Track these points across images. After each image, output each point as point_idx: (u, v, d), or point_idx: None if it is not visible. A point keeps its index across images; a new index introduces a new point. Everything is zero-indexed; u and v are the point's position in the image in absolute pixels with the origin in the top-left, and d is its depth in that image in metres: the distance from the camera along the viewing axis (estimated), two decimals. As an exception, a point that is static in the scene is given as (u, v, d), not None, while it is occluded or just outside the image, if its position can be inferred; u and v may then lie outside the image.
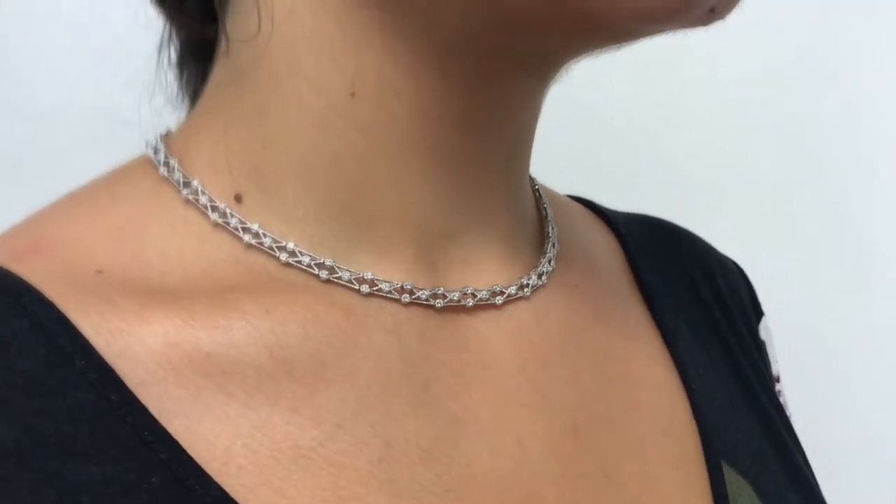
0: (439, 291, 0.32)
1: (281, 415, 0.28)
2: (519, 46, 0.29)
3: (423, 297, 0.32)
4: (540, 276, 0.36)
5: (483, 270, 0.34)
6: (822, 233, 0.83)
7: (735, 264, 0.49)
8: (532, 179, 0.40)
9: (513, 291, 0.34)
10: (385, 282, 0.31)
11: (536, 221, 0.38)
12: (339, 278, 0.31)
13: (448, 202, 0.32)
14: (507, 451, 0.31)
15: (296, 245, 0.31)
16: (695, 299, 0.43)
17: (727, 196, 0.79)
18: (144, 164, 0.33)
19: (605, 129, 0.76)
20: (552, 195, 0.42)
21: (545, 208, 0.39)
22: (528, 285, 0.35)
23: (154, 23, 0.37)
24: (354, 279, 0.31)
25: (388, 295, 0.31)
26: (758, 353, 0.44)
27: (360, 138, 0.30)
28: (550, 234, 0.38)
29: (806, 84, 0.79)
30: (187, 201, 0.31)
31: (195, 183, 0.31)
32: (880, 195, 0.83)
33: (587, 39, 0.29)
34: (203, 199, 0.31)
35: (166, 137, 0.34)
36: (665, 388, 0.38)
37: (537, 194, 0.40)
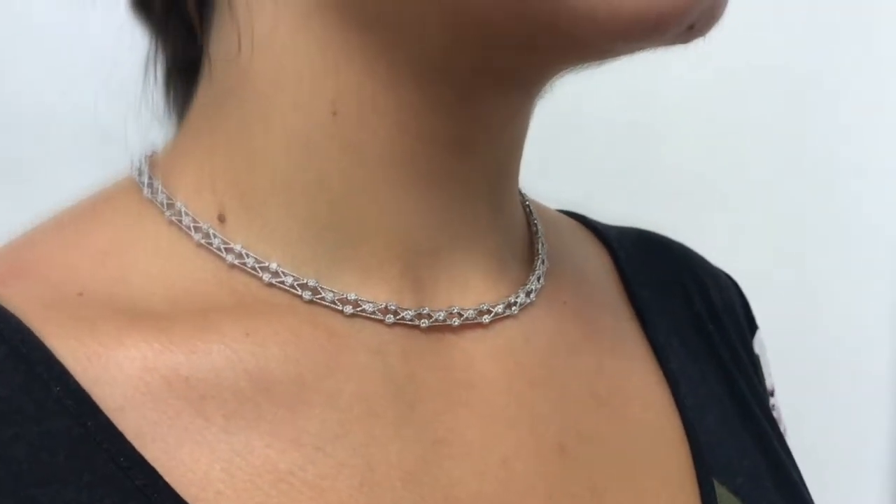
0: (424, 311, 0.32)
1: (260, 438, 0.28)
2: (496, 65, 0.29)
3: (408, 317, 0.32)
4: (528, 294, 0.36)
5: (470, 288, 0.34)
6: (813, 233, 0.83)
7: (729, 278, 0.48)
8: (522, 195, 0.40)
9: (500, 310, 0.34)
10: (369, 302, 0.31)
11: (526, 238, 0.38)
12: (323, 299, 0.31)
13: (433, 219, 0.32)
14: (492, 473, 0.31)
15: (279, 265, 0.31)
16: (688, 313, 0.43)
17: (717, 196, 0.79)
18: (129, 185, 0.33)
19: (593, 128, 0.77)
20: (542, 210, 0.42)
21: (535, 224, 0.39)
22: (515, 303, 0.35)
23: (140, 38, 0.37)
24: (338, 300, 0.31)
25: (372, 315, 0.31)
26: (752, 368, 0.44)
27: (343, 157, 0.30)
28: (540, 251, 0.38)
29: (797, 84, 0.80)
30: (171, 222, 0.31)
31: (178, 204, 0.31)
32: (870, 196, 0.83)
33: (564, 58, 0.29)
34: (186, 220, 0.31)
35: (151, 158, 0.34)
36: (656, 405, 0.38)
37: (527, 209, 0.40)
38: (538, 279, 0.36)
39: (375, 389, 0.30)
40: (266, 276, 0.31)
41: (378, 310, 0.31)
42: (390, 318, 0.32)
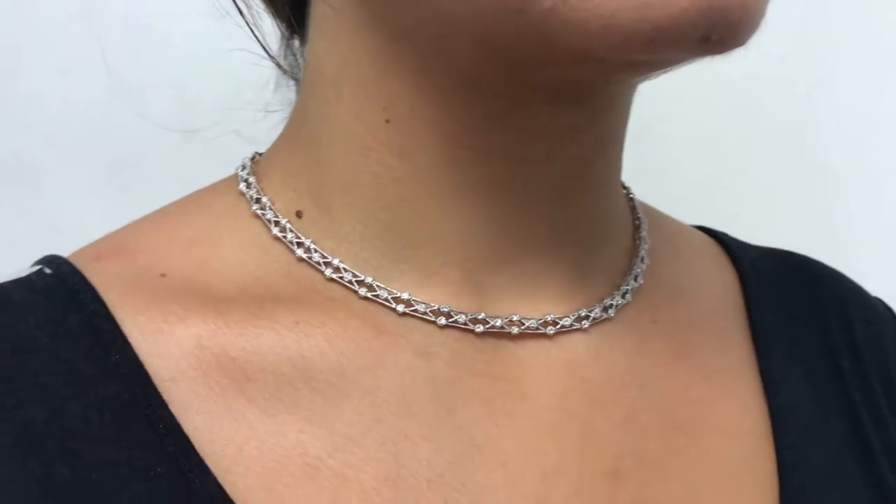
0: (480, 316, 0.32)
1: (296, 423, 0.30)
2: (529, 79, 0.29)
3: (462, 320, 0.32)
4: (606, 310, 0.35)
5: (540, 300, 0.34)
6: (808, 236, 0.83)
7: (888, 309, 0.44)
8: (635, 209, 0.39)
9: (567, 323, 0.33)
10: (422, 303, 0.32)
11: (623, 252, 0.37)
12: (377, 296, 0.32)
13: (493, 228, 0.32)
14: (527, 487, 0.31)
15: (341, 262, 0.32)
16: (821, 346, 0.40)
17: (717, 195, 0.79)
18: (231, 181, 0.35)
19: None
20: (663, 225, 0.41)
21: (641, 239, 0.38)
22: (587, 317, 0.34)
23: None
24: (391, 298, 0.32)
25: (424, 316, 0.32)
26: (890, 411, 0.40)
27: (397, 163, 0.31)
28: (634, 267, 0.36)
29: (796, 83, 0.80)
30: (255, 216, 0.33)
31: (265, 199, 0.33)
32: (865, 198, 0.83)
33: (586, 71, 0.28)
34: (269, 214, 0.33)
35: (256, 158, 0.36)
36: (747, 439, 0.35)
37: (637, 222, 0.38)
38: (623, 295, 0.35)
39: (416, 389, 0.31)
40: (328, 272, 0.32)
41: (430, 311, 0.32)
42: (442, 320, 0.32)
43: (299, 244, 0.33)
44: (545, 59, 0.27)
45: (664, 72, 0.30)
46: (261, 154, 0.36)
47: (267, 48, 0.38)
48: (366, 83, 0.31)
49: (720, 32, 0.25)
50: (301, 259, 0.32)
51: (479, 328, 0.32)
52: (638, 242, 0.38)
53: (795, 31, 0.73)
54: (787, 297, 0.41)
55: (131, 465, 0.28)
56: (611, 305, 0.35)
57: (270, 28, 0.38)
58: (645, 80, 0.31)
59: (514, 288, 0.33)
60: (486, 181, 0.31)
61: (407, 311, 0.32)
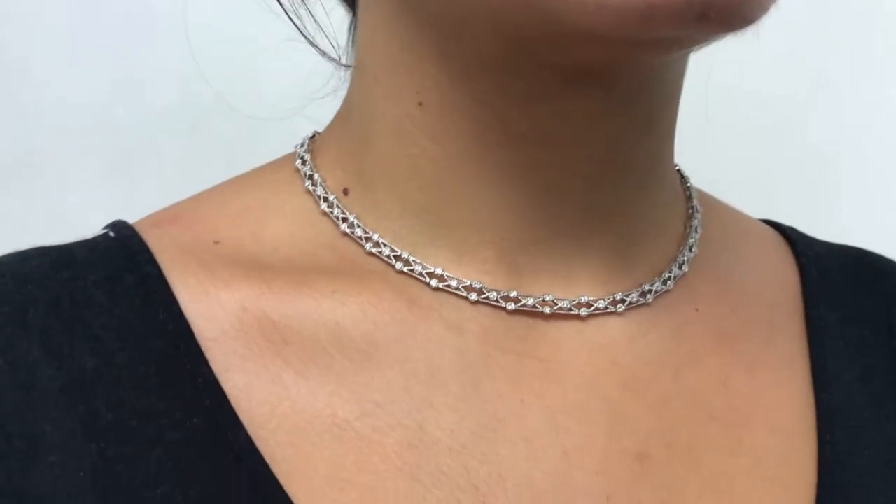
0: (512, 294, 0.33)
1: (327, 386, 0.31)
2: (550, 61, 0.29)
3: (493, 297, 0.33)
4: (644, 295, 0.35)
5: (576, 282, 0.34)
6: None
7: None
8: (691, 198, 0.39)
9: (601, 305, 0.34)
10: (454, 278, 0.33)
11: (672, 240, 0.37)
12: (413, 270, 0.33)
13: (526, 211, 0.33)
14: (548, 462, 0.31)
15: (380, 237, 0.34)
16: (884, 345, 0.39)
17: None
18: (289, 158, 0.37)
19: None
20: (722, 214, 0.41)
21: (692, 227, 0.38)
22: (623, 301, 0.34)
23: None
24: (426, 272, 0.33)
25: (457, 291, 0.33)
26: None
27: (431, 145, 0.32)
28: (680, 255, 0.37)
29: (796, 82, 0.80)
30: (307, 191, 0.35)
31: (317, 176, 0.35)
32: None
33: (597, 52, 0.28)
34: (319, 191, 0.35)
35: (314, 136, 0.38)
36: (787, 433, 0.35)
37: (691, 211, 0.38)
38: (664, 282, 0.35)
39: (444, 361, 0.32)
40: (368, 246, 0.34)
41: (463, 287, 0.33)
42: (473, 296, 0.33)
43: (344, 219, 0.34)
44: (555, 40, 0.28)
45: (688, 51, 0.30)
46: (319, 133, 0.38)
47: (306, 34, 0.40)
48: (400, 69, 0.32)
49: (717, 10, 0.26)
50: (344, 233, 0.34)
51: (511, 306, 0.33)
52: (688, 231, 0.38)
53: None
54: (852, 295, 0.40)
55: (169, 414, 0.30)
56: (649, 291, 0.35)
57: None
58: (672, 60, 0.31)
59: (550, 270, 0.34)
60: (516, 164, 0.32)
61: (440, 285, 0.33)
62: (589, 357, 0.34)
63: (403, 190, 0.33)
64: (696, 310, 0.36)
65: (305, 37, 0.40)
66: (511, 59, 0.30)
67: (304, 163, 0.36)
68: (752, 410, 0.35)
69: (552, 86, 0.30)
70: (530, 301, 0.33)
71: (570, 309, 0.34)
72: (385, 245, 0.34)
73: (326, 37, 0.41)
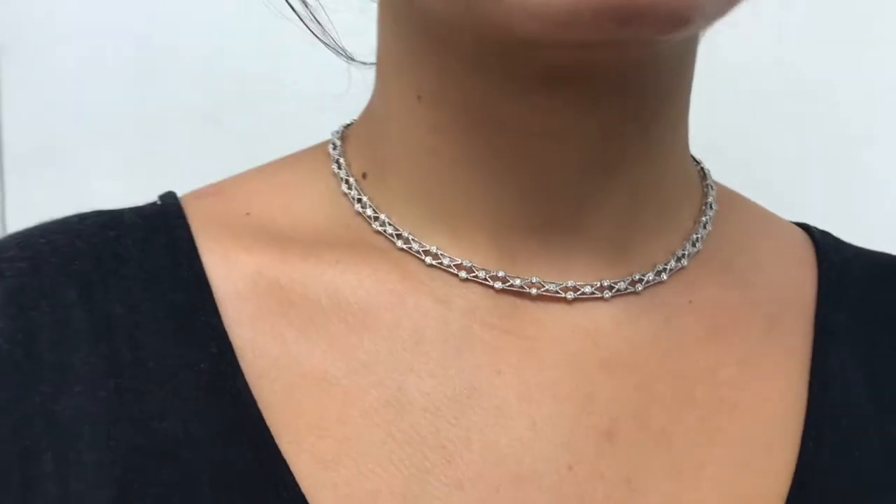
0: (500, 274, 0.35)
1: (322, 345, 0.34)
2: (517, 63, 0.31)
3: (482, 276, 0.35)
4: (633, 284, 0.36)
5: (568, 268, 0.36)
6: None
7: None
8: (707, 195, 0.40)
9: (588, 290, 0.36)
10: (447, 256, 0.35)
11: (676, 233, 0.38)
12: (411, 248, 0.36)
13: (519, 200, 0.35)
14: (516, 430, 0.34)
15: (387, 217, 0.36)
16: None
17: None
18: (326, 143, 0.40)
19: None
20: (742, 211, 0.42)
21: (701, 223, 0.39)
22: (610, 288, 0.36)
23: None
24: (422, 250, 0.36)
25: (448, 269, 0.35)
26: None
27: (430, 136, 0.35)
28: (680, 250, 0.38)
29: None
30: (333, 173, 0.38)
31: (342, 161, 0.38)
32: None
33: (548, 53, 0.30)
34: (342, 174, 0.38)
35: (349, 125, 0.41)
36: (771, 424, 0.36)
37: (704, 208, 0.39)
38: (658, 273, 0.37)
39: (429, 331, 0.35)
40: (375, 225, 0.37)
41: (454, 264, 0.35)
42: (463, 274, 0.35)
43: (359, 201, 0.37)
44: (510, 43, 0.30)
45: (671, 46, 0.31)
46: (353, 122, 0.41)
47: (321, 37, 0.43)
48: (404, 67, 0.35)
49: (640, 12, 0.26)
50: (358, 213, 0.37)
51: (499, 285, 0.35)
52: (696, 226, 0.39)
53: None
54: (874, 301, 0.40)
55: (181, 359, 0.34)
56: (640, 280, 0.36)
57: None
58: (657, 55, 0.32)
59: (545, 255, 0.36)
60: (507, 154, 0.34)
61: (434, 262, 0.36)
62: (571, 338, 0.35)
63: (408, 177, 0.36)
64: (690, 301, 0.37)
65: (320, 38, 0.43)
66: (490, 61, 0.32)
67: (334, 148, 0.39)
68: (738, 401, 0.36)
69: (530, 83, 0.32)
70: (517, 282, 0.35)
71: (557, 292, 0.35)
72: (390, 224, 0.36)
73: (333, 40, 0.44)
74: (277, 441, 0.33)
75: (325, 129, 0.41)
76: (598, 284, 0.36)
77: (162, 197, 0.39)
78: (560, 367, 0.35)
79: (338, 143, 0.39)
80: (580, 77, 0.32)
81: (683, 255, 0.38)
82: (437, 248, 0.36)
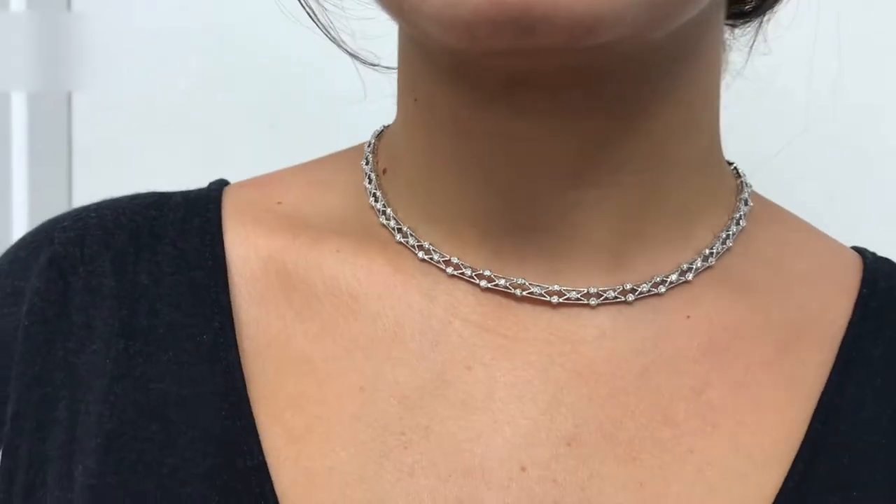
0: (486, 273, 0.36)
1: (314, 328, 0.36)
2: (482, 67, 0.32)
3: (468, 274, 0.36)
4: (624, 293, 0.36)
5: (559, 272, 0.36)
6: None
7: None
8: (737, 210, 0.39)
9: (573, 296, 0.35)
10: (438, 252, 0.37)
11: (684, 247, 0.37)
12: (407, 242, 0.37)
13: (509, 200, 0.35)
14: (476, 426, 0.34)
15: (392, 212, 0.38)
16: None
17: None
18: (364, 143, 0.42)
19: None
20: (783, 232, 0.40)
21: (719, 238, 0.38)
22: (599, 295, 0.35)
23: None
24: (417, 245, 0.37)
25: (437, 264, 0.36)
26: None
27: (425, 137, 0.36)
28: (687, 263, 0.37)
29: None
30: (361, 169, 0.40)
31: (370, 157, 0.40)
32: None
33: (490, 60, 0.31)
34: (367, 169, 0.40)
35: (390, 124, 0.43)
36: (755, 452, 0.34)
37: (729, 222, 0.38)
38: (656, 286, 0.36)
39: (410, 322, 0.36)
40: (382, 219, 0.38)
41: (443, 260, 0.36)
42: (451, 270, 0.36)
43: (374, 195, 0.39)
44: (454, 52, 0.31)
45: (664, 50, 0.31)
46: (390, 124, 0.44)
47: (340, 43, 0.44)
48: (403, 70, 0.37)
49: (537, 21, 0.27)
50: (371, 206, 0.39)
51: (484, 283, 0.36)
52: (713, 241, 0.38)
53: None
54: None
55: (187, 329, 0.37)
56: (632, 291, 0.36)
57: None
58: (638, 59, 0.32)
59: (535, 258, 0.36)
60: (492, 158, 0.35)
61: (425, 257, 0.37)
62: (549, 341, 0.35)
63: (412, 174, 0.38)
64: (688, 317, 0.36)
65: (341, 46, 0.44)
66: (461, 67, 0.33)
67: (369, 146, 0.41)
68: (721, 424, 0.35)
69: (496, 90, 0.33)
70: (502, 282, 0.36)
71: (542, 295, 0.36)
72: (393, 219, 0.38)
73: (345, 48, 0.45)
74: (255, 412, 0.35)
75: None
76: (585, 291, 0.35)
77: (212, 183, 0.42)
78: (531, 369, 0.35)
79: (373, 140, 0.41)
80: (543, 84, 0.32)
81: (690, 269, 0.37)
82: (431, 244, 0.37)
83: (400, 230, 0.37)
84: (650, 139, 0.34)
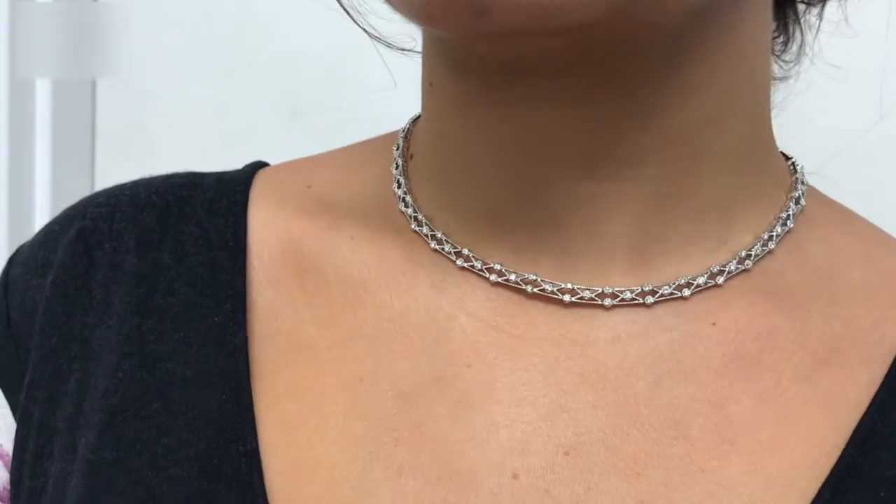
0: (496, 267, 0.34)
1: (322, 315, 0.36)
2: (473, 54, 0.31)
3: (478, 267, 0.34)
4: (643, 295, 0.33)
5: (573, 270, 0.34)
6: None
7: None
8: (787, 207, 0.36)
9: (587, 295, 0.33)
10: (450, 243, 0.35)
11: (719, 249, 0.34)
12: (422, 230, 0.36)
13: (523, 191, 0.33)
14: (469, 428, 0.32)
15: (412, 199, 0.37)
16: None
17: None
18: (399, 130, 0.41)
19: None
20: (845, 236, 0.37)
21: (761, 240, 0.35)
22: (612, 296, 0.33)
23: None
24: (430, 234, 0.36)
25: (448, 255, 0.35)
26: None
27: (438, 124, 0.35)
28: (718, 265, 0.34)
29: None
30: (391, 154, 0.39)
31: (401, 143, 0.39)
32: None
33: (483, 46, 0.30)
34: (395, 154, 0.39)
35: None
36: (773, 477, 0.31)
37: (776, 222, 0.35)
38: (679, 289, 0.33)
39: (415, 315, 0.35)
40: (401, 206, 0.37)
41: (454, 251, 0.35)
42: (461, 262, 0.35)
43: (397, 181, 0.38)
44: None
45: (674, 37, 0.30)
46: None
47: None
48: (424, 55, 0.36)
49: (487, 7, 0.26)
50: (395, 193, 0.38)
51: (494, 278, 0.34)
52: (753, 242, 0.35)
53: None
54: None
55: (201, 310, 0.37)
56: (653, 292, 0.33)
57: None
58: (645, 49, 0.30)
59: (549, 253, 0.34)
60: (501, 146, 0.33)
61: (437, 247, 0.35)
62: (557, 343, 0.33)
63: (430, 160, 0.36)
64: (714, 324, 0.34)
65: (368, 32, 0.43)
66: (461, 54, 0.32)
67: (403, 131, 0.40)
68: (740, 443, 0.32)
69: (495, 77, 0.32)
70: (513, 277, 0.34)
71: (554, 292, 0.33)
72: (411, 206, 0.36)
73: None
74: (254, 398, 0.34)
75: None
76: (600, 291, 0.33)
77: (247, 165, 0.42)
78: (535, 371, 0.33)
79: (408, 125, 0.40)
80: (541, 70, 0.30)
81: (722, 273, 0.34)
82: (444, 234, 0.35)
83: (416, 218, 0.36)
84: (673, 130, 0.32)
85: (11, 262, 0.40)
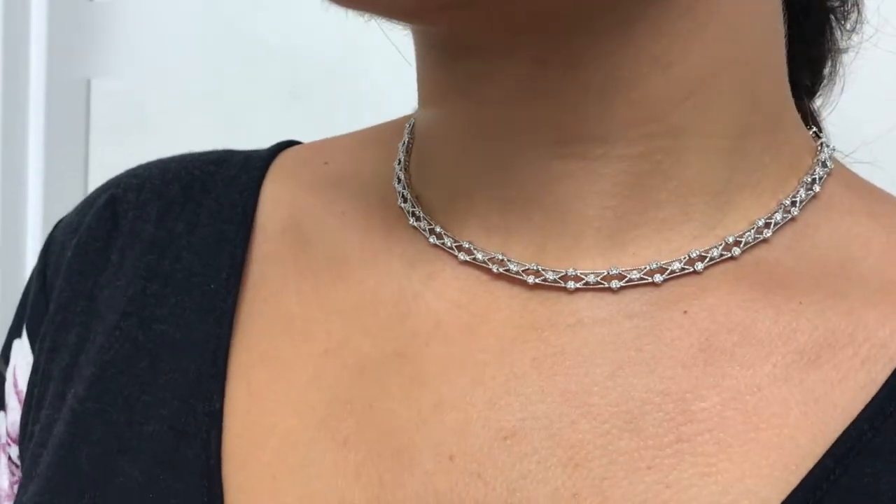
0: (465, 245, 0.34)
1: (304, 288, 0.36)
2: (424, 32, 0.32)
3: (448, 245, 0.34)
4: (608, 279, 0.31)
5: (543, 250, 0.32)
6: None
7: None
8: (795, 193, 0.33)
9: (550, 277, 0.32)
10: (425, 220, 0.35)
11: (711, 233, 0.32)
12: (406, 207, 0.36)
13: (490, 169, 0.33)
14: (416, 407, 0.32)
15: (406, 178, 0.37)
16: None
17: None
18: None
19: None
20: (860, 226, 0.33)
21: (755, 226, 0.32)
22: (576, 278, 0.32)
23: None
24: (410, 211, 0.35)
25: (423, 232, 0.35)
26: None
27: (422, 106, 0.35)
28: (701, 251, 0.32)
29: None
30: (400, 138, 0.39)
31: (413, 121, 0.39)
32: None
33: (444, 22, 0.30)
34: (406, 132, 0.39)
35: None
36: (730, 481, 0.29)
37: (779, 208, 0.33)
38: (650, 273, 0.31)
39: (385, 291, 0.34)
40: (394, 182, 0.37)
41: (428, 229, 0.34)
42: (433, 239, 0.34)
43: (399, 158, 0.38)
44: None
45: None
46: None
47: None
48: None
49: None
50: (395, 177, 0.37)
51: (462, 256, 0.33)
52: (746, 228, 0.32)
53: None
54: None
55: (202, 276, 0.38)
56: (620, 276, 0.31)
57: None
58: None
59: (524, 235, 0.33)
60: (470, 123, 0.33)
61: (414, 223, 0.35)
62: (516, 325, 0.32)
63: (421, 145, 0.36)
64: (685, 312, 0.31)
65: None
66: (422, 33, 0.33)
67: (413, 115, 0.40)
68: (697, 442, 0.29)
69: (445, 54, 0.32)
70: (480, 255, 0.33)
71: (518, 273, 0.32)
72: (401, 182, 0.36)
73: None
74: (231, 363, 0.35)
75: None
76: (564, 273, 0.32)
77: (276, 144, 0.43)
78: (490, 352, 0.32)
79: (417, 112, 0.40)
80: (480, 46, 0.30)
81: (703, 258, 0.31)
82: (423, 212, 0.35)
83: (403, 195, 0.36)
84: (641, 106, 0.30)
85: (57, 225, 0.43)
